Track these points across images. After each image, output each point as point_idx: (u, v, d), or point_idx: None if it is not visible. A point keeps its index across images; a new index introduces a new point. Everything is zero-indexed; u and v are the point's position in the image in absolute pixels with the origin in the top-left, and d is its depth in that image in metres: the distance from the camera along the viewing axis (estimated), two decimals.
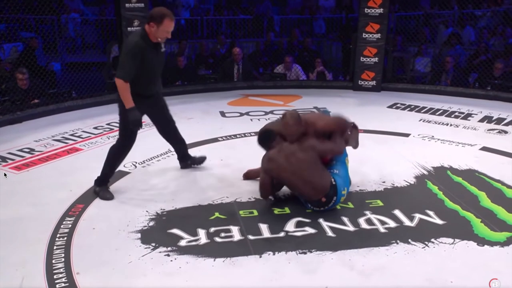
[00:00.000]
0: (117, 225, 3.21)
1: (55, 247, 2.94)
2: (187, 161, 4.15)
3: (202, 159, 4.19)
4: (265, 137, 3.42)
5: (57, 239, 3.04)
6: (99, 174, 3.66)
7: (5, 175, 3.94)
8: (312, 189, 3.21)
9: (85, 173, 4.06)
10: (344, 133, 3.51)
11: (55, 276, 2.65)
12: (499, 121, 5.67)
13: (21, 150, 4.68)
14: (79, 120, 5.75)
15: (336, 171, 3.36)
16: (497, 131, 5.31)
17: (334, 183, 3.25)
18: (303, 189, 3.25)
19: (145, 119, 3.72)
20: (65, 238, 3.05)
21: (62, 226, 3.20)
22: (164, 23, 3.33)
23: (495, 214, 3.33)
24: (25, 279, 2.64)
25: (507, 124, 5.53)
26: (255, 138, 3.53)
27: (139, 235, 3.10)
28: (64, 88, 6.67)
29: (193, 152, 4.28)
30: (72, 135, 5.21)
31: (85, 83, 6.73)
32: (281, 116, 3.46)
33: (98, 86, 6.95)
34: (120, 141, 3.64)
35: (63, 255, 2.86)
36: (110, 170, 3.67)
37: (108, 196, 3.61)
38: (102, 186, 3.65)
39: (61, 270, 2.71)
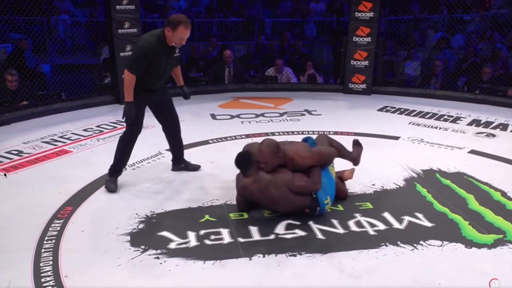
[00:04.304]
0: (106, 228, 3.19)
1: (43, 250, 2.92)
2: (181, 165, 4.14)
3: (195, 167, 4.18)
4: (242, 163, 3.27)
5: (45, 242, 3.01)
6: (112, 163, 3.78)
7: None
8: (291, 208, 3.24)
9: (75, 175, 4.04)
10: (327, 165, 3.38)
11: (42, 280, 2.63)
12: (487, 124, 5.74)
13: (9, 152, 4.64)
14: (68, 122, 5.72)
15: None
16: (485, 134, 5.36)
17: (314, 196, 3.22)
18: (282, 210, 3.27)
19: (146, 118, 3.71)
20: (53, 241, 3.02)
21: (50, 229, 3.17)
22: (178, 30, 3.42)
23: (482, 217, 3.36)
24: (12, 282, 2.61)
25: (495, 128, 5.59)
26: (246, 141, 3.53)
27: (128, 237, 3.08)
28: (54, 90, 6.62)
29: (184, 155, 4.26)
30: (61, 137, 5.18)
31: (75, 85, 6.68)
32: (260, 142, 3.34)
33: (88, 88, 6.92)
34: (127, 129, 3.74)
35: (51, 258, 2.84)
36: (121, 157, 3.75)
37: (111, 187, 3.71)
38: (112, 177, 3.76)
39: (49, 273, 2.69)
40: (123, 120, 3.60)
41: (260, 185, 3.16)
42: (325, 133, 4.02)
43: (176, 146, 4.11)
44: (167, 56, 3.57)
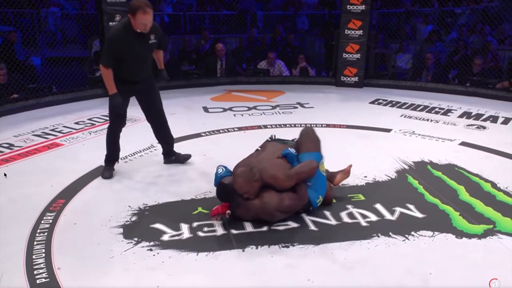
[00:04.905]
0: (99, 220, 3.18)
1: (35, 243, 2.90)
2: (172, 157, 4.14)
3: (186, 157, 4.18)
4: (223, 196, 3.11)
5: (37, 234, 3.00)
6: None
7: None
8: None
9: (66, 168, 4.02)
10: (311, 177, 3.23)
11: (35, 272, 2.62)
12: (478, 116, 5.78)
13: (0, 146, 4.59)
14: (59, 115, 5.69)
15: (309, 183, 3.25)
16: (475, 126, 5.41)
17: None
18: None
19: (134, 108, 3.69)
20: (46, 234, 3.01)
21: (42, 222, 3.16)
22: (137, 16, 3.36)
23: (473, 208, 3.39)
24: (4, 275, 2.60)
25: (485, 120, 5.64)
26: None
27: (121, 230, 3.07)
28: (44, 83, 6.57)
29: (176, 147, 4.26)
30: (52, 130, 5.14)
31: (66, 78, 6.63)
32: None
33: (79, 81, 6.87)
34: (110, 121, 3.84)
35: (43, 250, 2.82)
36: (109, 148, 3.88)
37: (105, 174, 3.85)
38: (107, 166, 3.90)
39: (42, 265, 2.68)
40: (113, 111, 3.65)
41: (251, 214, 3.10)
42: (311, 125, 3.85)
43: (163, 139, 4.09)
44: (139, 43, 3.49)
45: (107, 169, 3.89)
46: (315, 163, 3.24)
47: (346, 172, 3.65)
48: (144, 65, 3.66)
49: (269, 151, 3.32)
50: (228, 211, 3.04)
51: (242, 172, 3.03)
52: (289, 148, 3.30)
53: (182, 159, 4.15)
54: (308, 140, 3.42)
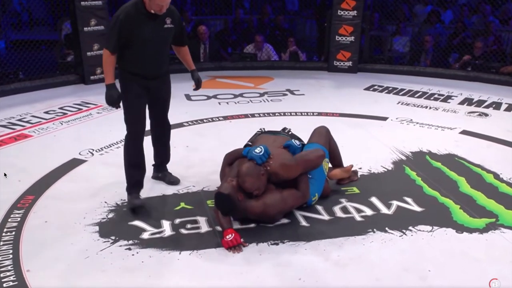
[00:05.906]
0: (72, 218, 3.16)
1: (1, 243, 2.87)
2: (159, 174, 3.79)
3: (174, 182, 3.71)
4: (226, 207, 2.99)
5: (4, 234, 2.96)
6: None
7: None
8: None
9: (36, 162, 3.98)
10: (316, 168, 3.28)
11: (2, 275, 2.59)
12: (480, 103, 5.84)
13: None
14: (27, 104, 5.62)
15: (310, 176, 3.26)
16: (477, 113, 5.46)
17: None
18: None
19: None
20: (13, 233, 2.98)
21: (9, 220, 3.12)
22: None
23: (474, 200, 3.44)
24: None
25: (487, 107, 5.70)
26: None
27: (97, 228, 3.05)
28: (10, 68, 6.46)
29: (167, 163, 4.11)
30: (19, 120, 5.08)
31: (33, 63, 6.53)
32: (238, 165, 3.14)
33: (48, 67, 6.77)
34: (126, 129, 3.36)
35: (11, 251, 2.80)
36: (128, 171, 3.34)
37: (135, 202, 3.28)
38: (131, 194, 3.33)
39: (9, 267, 2.65)
40: (110, 108, 3.32)
41: (251, 217, 3.09)
42: (322, 126, 3.71)
43: (158, 153, 3.71)
44: (152, 26, 3.17)
45: (134, 198, 3.31)
46: (321, 152, 3.29)
47: (345, 171, 3.67)
48: (158, 55, 3.29)
49: (267, 142, 3.30)
50: (242, 240, 2.93)
51: (249, 169, 2.99)
52: (292, 140, 3.30)
53: (168, 181, 3.71)
54: (321, 136, 3.52)
